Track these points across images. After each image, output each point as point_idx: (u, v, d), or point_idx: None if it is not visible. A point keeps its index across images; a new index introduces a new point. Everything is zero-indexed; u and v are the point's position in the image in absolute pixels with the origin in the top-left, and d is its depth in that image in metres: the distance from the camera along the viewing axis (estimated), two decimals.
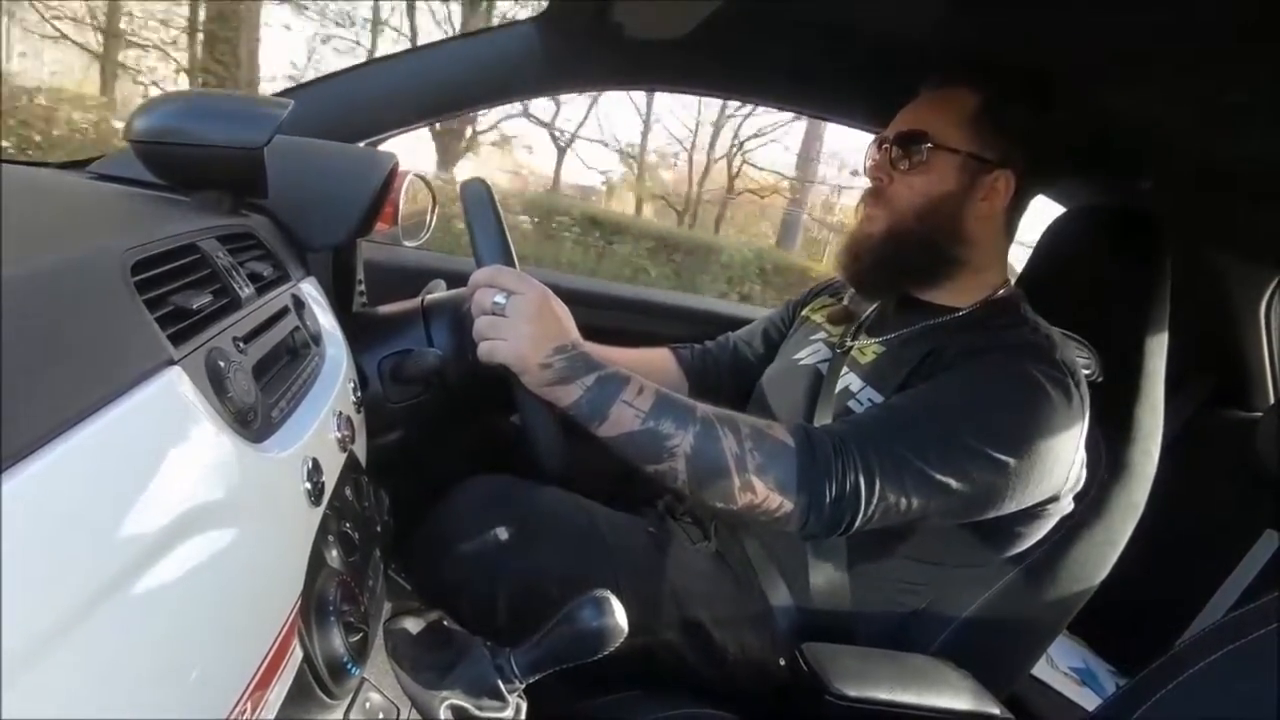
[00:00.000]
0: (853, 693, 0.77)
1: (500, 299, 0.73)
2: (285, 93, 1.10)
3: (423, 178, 1.11)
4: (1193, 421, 1.44)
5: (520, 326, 0.72)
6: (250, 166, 0.65)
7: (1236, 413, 1.43)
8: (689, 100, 8.53)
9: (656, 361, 1.14)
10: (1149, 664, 0.57)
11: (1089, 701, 1.28)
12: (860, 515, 0.74)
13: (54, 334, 0.32)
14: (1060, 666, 1.34)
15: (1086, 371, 0.90)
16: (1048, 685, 1.29)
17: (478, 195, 0.78)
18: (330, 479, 0.56)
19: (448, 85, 1.13)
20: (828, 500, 0.73)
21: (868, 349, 0.95)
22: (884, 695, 0.79)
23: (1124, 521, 0.97)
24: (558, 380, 0.73)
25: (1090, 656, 1.39)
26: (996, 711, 0.81)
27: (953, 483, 0.75)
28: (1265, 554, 1.26)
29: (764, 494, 0.73)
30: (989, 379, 0.80)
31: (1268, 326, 1.41)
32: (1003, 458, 0.75)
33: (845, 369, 0.95)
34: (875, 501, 0.73)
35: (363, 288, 1.01)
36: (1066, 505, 0.86)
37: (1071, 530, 0.92)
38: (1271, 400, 1.43)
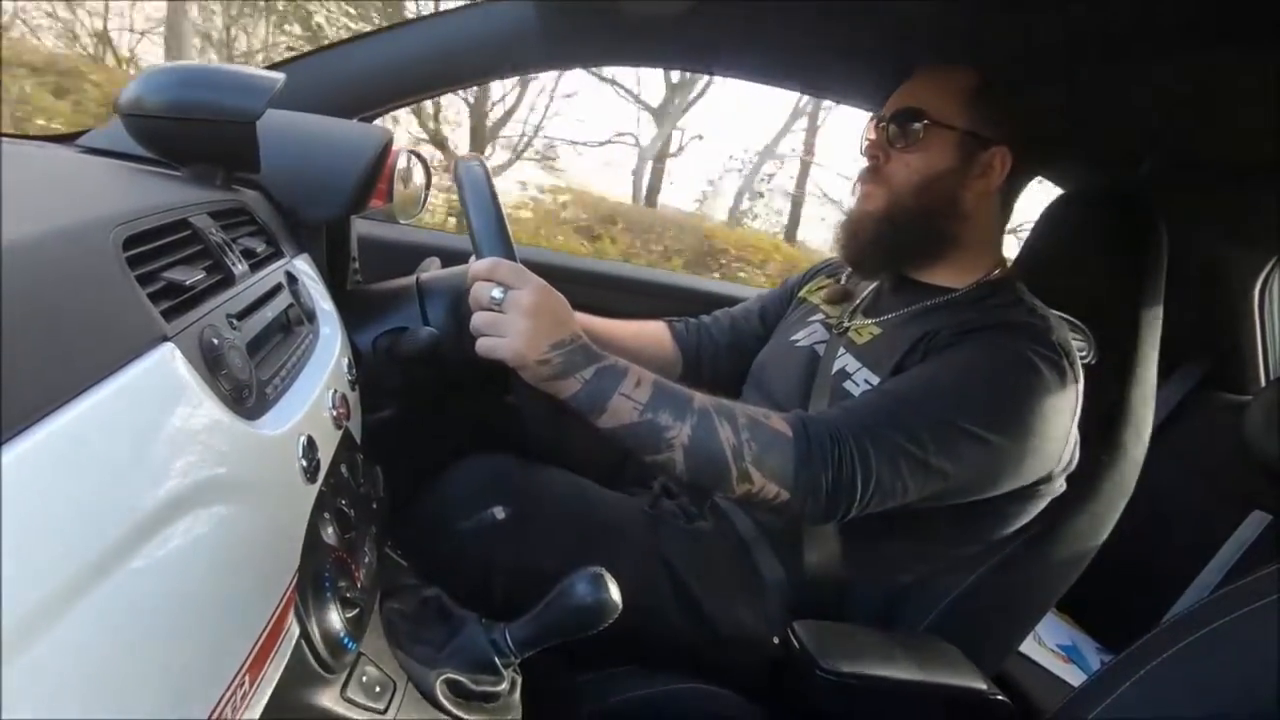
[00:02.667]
0: (844, 668, 0.78)
1: (498, 294, 0.73)
2: (277, 65, 1.08)
3: (417, 153, 1.10)
4: (1184, 404, 1.45)
5: (518, 323, 0.72)
6: (242, 140, 0.65)
7: (1228, 396, 1.44)
8: None
9: (652, 335, 1.13)
10: (1135, 641, 0.58)
11: (1075, 678, 1.30)
12: (857, 502, 0.75)
13: (45, 310, 0.32)
14: (1048, 643, 1.36)
15: (1081, 353, 0.91)
16: (1035, 662, 1.30)
17: (474, 176, 0.77)
18: (325, 456, 0.56)
19: (441, 60, 1.12)
20: (825, 489, 0.74)
21: (864, 330, 0.95)
22: (874, 671, 0.80)
23: (1114, 501, 0.98)
24: (556, 375, 0.74)
25: (1077, 634, 1.41)
26: (984, 688, 0.82)
27: (949, 467, 0.75)
28: (1251, 534, 1.27)
29: (761, 483, 0.74)
30: (984, 360, 0.80)
31: (1260, 311, 1.42)
32: (997, 440, 0.76)
33: (842, 350, 0.95)
34: (872, 489, 0.74)
35: (357, 264, 1.01)
36: (1059, 486, 0.87)
37: (1062, 509, 0.93)
38: (1262, 383, 1.44)
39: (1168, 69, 0.89)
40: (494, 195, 0.77)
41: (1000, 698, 0.83)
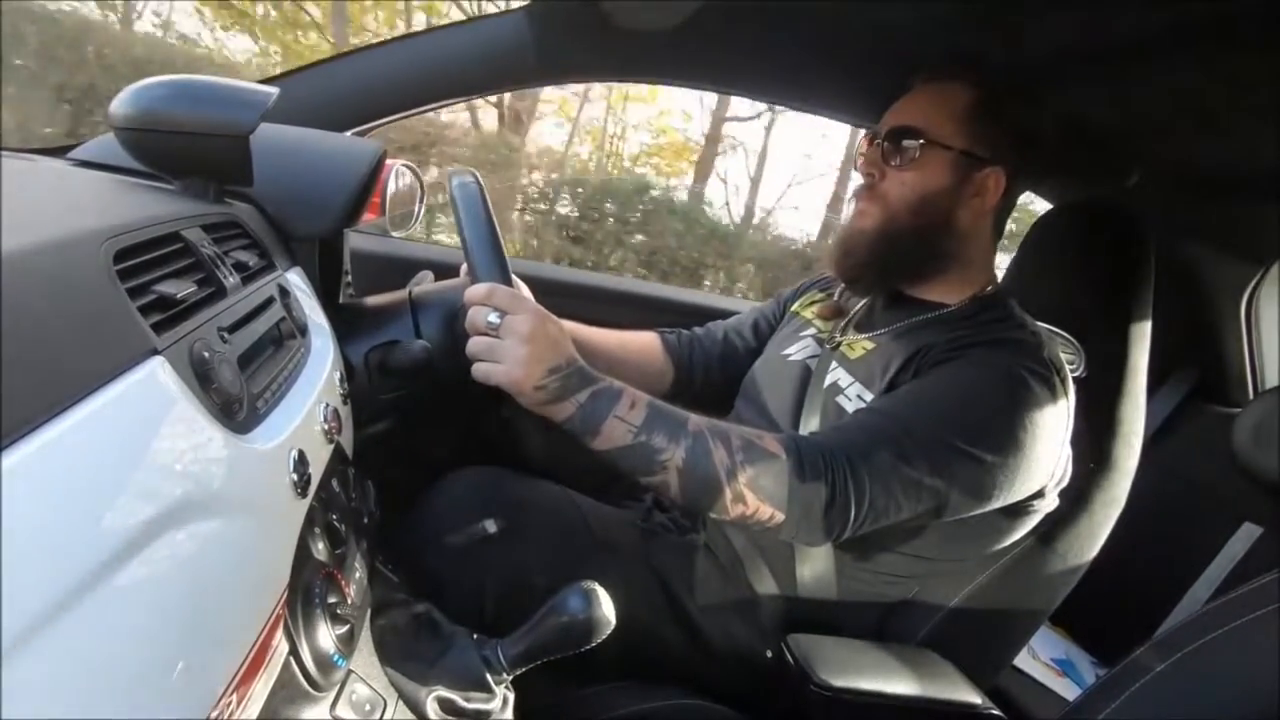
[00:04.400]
0: (838, 683, 0.78)
1: (495, 319, 0.73)
2: (271, 80, 1.08)
3: (410, 167, 1.11)
4: (1174, 416, 1.46)
5: (515, 350, 0.72)
6: (236, 153, 0.65)
7: (1217, 408, 1.45)
8: None
9: (643, 345, 1.13)
10: (1129, 654, 0.58)
11: (1070, 692, 1.30)
12: (850, 523, 0.75)
13: (34, 322, 0.32)
14: (1041, 657, 1.35)
15: (1071, 367, 0.91)
16: (1029, 676, 1.30)
17: (469, 192, 0.77)
18: (316, 470, 0.55)
19: (435, 74, 1.12)
20: (819, 510, 0.74)
21: (857, 345, 0.95)
22: (868, 686, 0.79)
23: (1106, 514, 0.98)
24: (551, 400, 0.74)
25: (1071, 647, 1.41)
26: (978, 702, 0.82)
27: (942, 486, 0.76)
28: (1243, 546, 1.28)
29: (755, 505, 0.74)
30: (976, 378, 0.80)
31: (1248, 322, 1.43)
32: (990, 458, 0.76)
33: (834, 365, 0.95)
34: (865, 509, 0.75)
35: (349, 278, 1.01)
36: (1052, 501, 0.87)
37: (1054, 523, 0.93)
38: (1251, 395, 1.45)
39: (1156, 83, 0.90)
40: (489, 212, 0.77)
41: (995, 712, 0.82)
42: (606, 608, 0.62)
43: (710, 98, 7.67)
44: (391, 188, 1.02)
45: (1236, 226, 1.28)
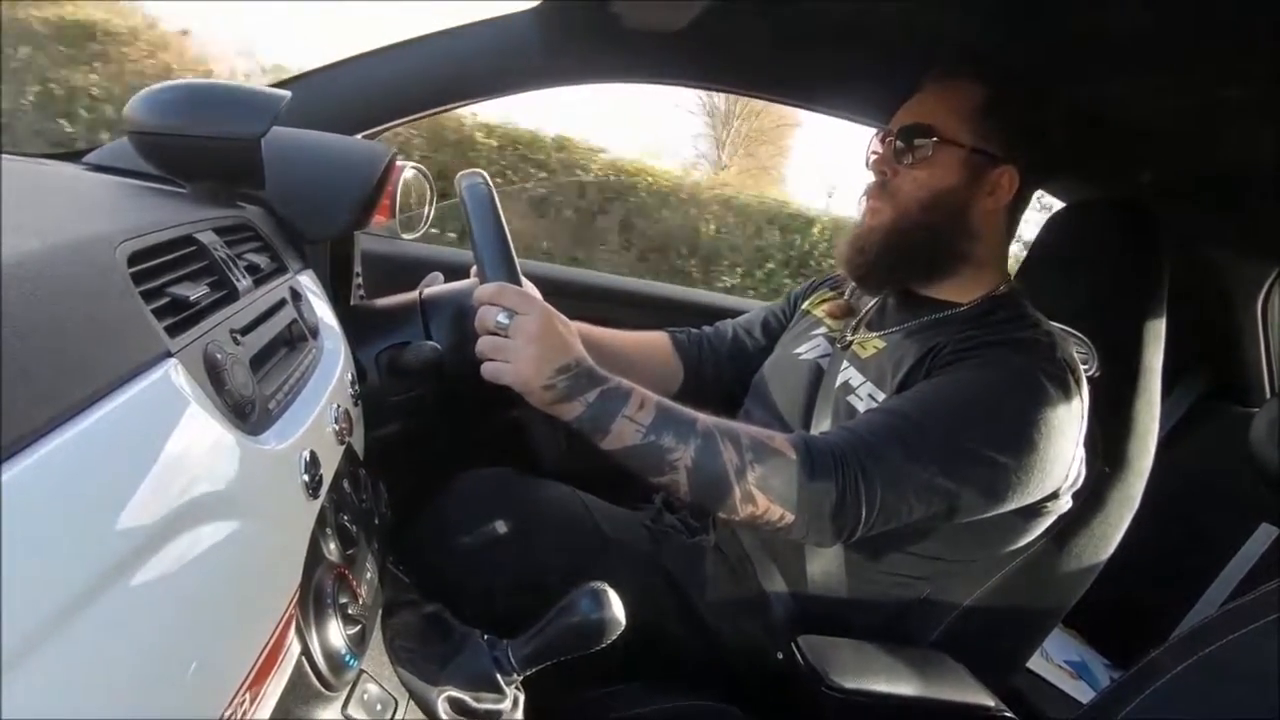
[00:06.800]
0: (850, 685, 0.78)
1: (504, 318, 0.73)
2: (282, 84, 1.09)
3: (420, 170, 1.11)
4: (1189, 416, 1.45)
5: (524, 348, 0.73)
6: (248, 157, 0.65)
7: (1233, 407, 1.44)
8: None
9: (653, 345, 1.13)
10: (1144, 657, 0.58)
11: (1084, 694, 1.29)
12: (861, 524, 0.74)
13: (50, 326, 0.32)
14: (1055, 659, 1.34)
15: (1084, 367, 0.91)
16: (1043, 678, 1.29)
17: (478, 194, 0.77)
18: (328, 472, 0.56)
19: (444, 77, 1.13)
20: (829, 511, 0.74)
21: (868, 344, 0.95)
22: (880, 688, 0.79)
23: (1120, 515, 0.97)
24: (560, 399, 0.74)
25: (1085, 650, 1.40)
26: (992, 704, 0.82)
27: (953, 487, 0.75)
28: (1260, 547, 1.26)
29: (765, 505, 0.74)
30: (989, 377, 0.80)
31: (1264, 321, 1.41)
32: (1003, 459, 0.76)
33: (845, 364, 0.95)
34: (876, 510, 0.74)
35: (360, 280, 1.01)
36: (1065, 503, 0.86)
37: (1068, 524, 0.92)
38: (1268, 395, 1.43)
39: (1170, 81, 0.89)
40: (498, 214, 0.77)
41: (1007, 714, 0.82)
42: (617, 608, 0.61)
43: None
44: (401, 190, 1.03)
45: (1252, 225, 1.26)
